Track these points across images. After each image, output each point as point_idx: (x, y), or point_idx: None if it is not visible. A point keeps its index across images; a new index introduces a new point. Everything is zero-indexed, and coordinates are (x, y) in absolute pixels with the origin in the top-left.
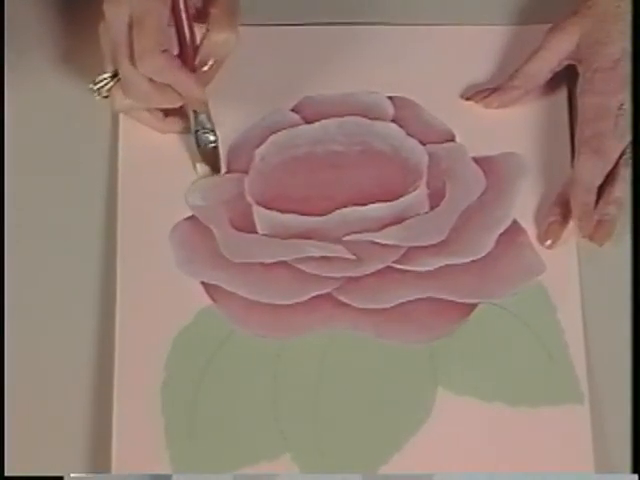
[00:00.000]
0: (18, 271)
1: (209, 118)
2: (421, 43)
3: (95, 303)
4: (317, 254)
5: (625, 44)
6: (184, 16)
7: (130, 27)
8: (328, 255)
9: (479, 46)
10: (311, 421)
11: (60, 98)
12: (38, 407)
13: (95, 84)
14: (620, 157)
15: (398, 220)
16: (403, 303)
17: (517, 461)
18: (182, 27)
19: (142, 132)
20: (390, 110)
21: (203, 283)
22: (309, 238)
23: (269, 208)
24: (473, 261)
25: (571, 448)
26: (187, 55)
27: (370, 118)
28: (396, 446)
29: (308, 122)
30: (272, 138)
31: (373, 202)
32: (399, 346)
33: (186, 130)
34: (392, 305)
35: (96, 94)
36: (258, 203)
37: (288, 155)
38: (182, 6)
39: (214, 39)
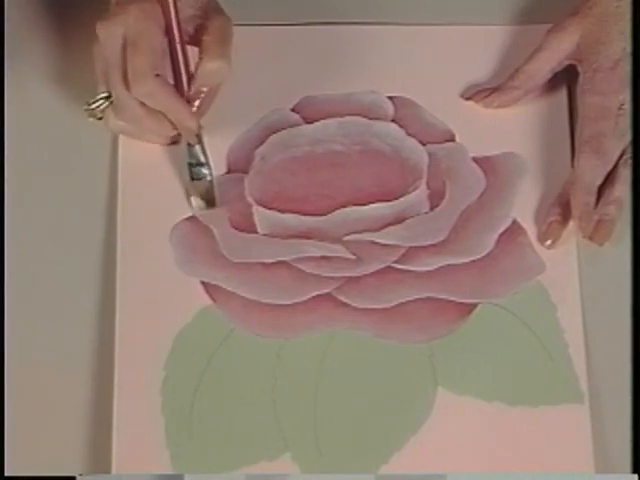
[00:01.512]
0: (18, 270)
1: (203, 151)
2: (421, 43)
3: (95, 303)
4: (317, 254)
5: (625, 44)
6: (178, 42)
7: (124, 49)
8: (328, 255)
9: (479, 46)
10: (311, 421)
11: (61, 100)
12: (38, 407)
13: (89, 105)
14: (620, 157)
15: (398, 220)
16: (403, 303)
17: (517, 461)
18: (176, 53)
19: None
20: (390, 110)
21: (203, 283)
22: (309, 238)
23: (269, 208)
24: (473, 261)
25: (571, 448)
26: (180, 82)
27: (370, 118)
28: (396, 446)
29: (308, 122)
30: (272, 138)
31: (373, 202)
32: (399, 346)
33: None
34: (392, 305)
35: (90, 116)
36: (258, 203)
37: (288, 155)
38: (176, 31)
39: (207, 67)
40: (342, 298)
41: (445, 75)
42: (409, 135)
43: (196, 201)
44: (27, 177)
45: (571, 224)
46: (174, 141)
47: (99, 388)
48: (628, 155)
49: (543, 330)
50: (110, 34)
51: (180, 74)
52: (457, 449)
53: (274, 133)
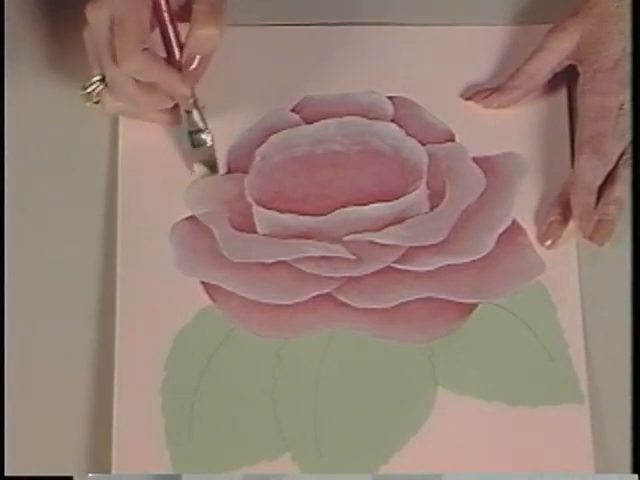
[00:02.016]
0: (18, 271)
1: (202, 117)
2: (421, 43)
3: (95, 303)
4: (317, 254)
5: (625, 44)
6: (166, 16)
7: (112, 29)
8: (328, 255)
9: (479, 46)
10: (311, 421)
11: (59, 98)
12: (38, 407)
13: (84, 89)
14: (620, 157)
15: (398, 220)
16: (403, 303)
17: (517, 461)
18: (165, 26)
19: (142, 131)
20: (390, 110)
21: (203, 283)
22: (309, 238)
23: (269, 208)
24: (473, 261)
25: (571, 448)
26: (172, 54)
27: (370, 118)
28: (396, 446)
29: (308, 122)
30: (272, 138)
31: (373, 202)
32: (399, 346)
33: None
34: (392, 305)
35: (86, 100)
36: (258, 203)
37: (288, 155)
38: (164, 5)
39: (197, 35)
40: (342, 298)
41: (445, 75)
42: (409, 135)
43: (199, 168)
44: (27, 176)
45: (571, 224)
46: (175, 121)
47: (99, 388)
48: (628, 155)
49: (543, 330)
50: (98, 16)
51: (171, 45)
52: (457, 449)
53: (274, 133)
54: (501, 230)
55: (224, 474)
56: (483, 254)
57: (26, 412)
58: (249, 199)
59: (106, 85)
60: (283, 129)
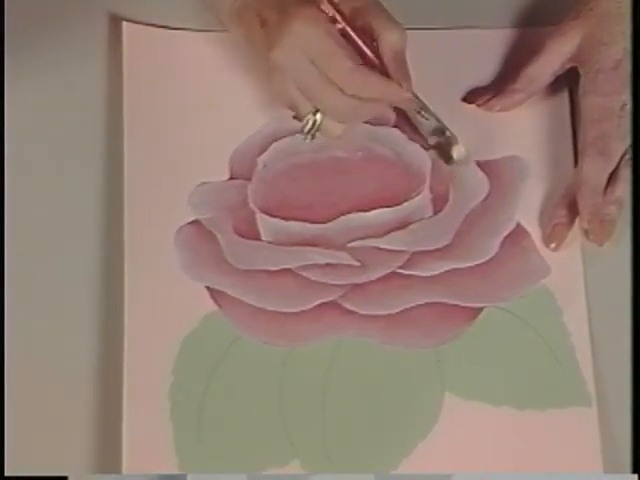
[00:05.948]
0: (23, 275)
1: (432, 112)
2: (422, 47)
3: (102, 307)
4: (321, 261)
5: (627, 44)
6: (349, 28)
7: (311, 61)
8: (332, 262)
9: (480, 49)
10: (320, 428)
11: (62, 99)
12: (48, 411)
13: (307, 133)
14: (622, 157)
15: (402, 225)
16: (409, 308)
17: (525, 465)
18: (353, 40)
19: (147, 134)
20: (392, 115)
21: (208, 288)
22: (313, 245)
23: (273, 215)
24: (478, 265)
25: (580, 451)
26: (373, 64)
27: (372, 124)
28: (405, 452)
29: None
30: (274, 145)
31: (376, 208)
32: (406, 351)
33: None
34: (398, 311)
35: (310, 138)
36: (261, 210)
37: (291, 162)
38: (340, 19)
39: (390, 41)
40: (347, 305)
41: (447, 79)
42: (411, 140)
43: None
44: (29, 179)
45: (575, 226)
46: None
47: (108, 392)
48: (629, 155)
49: (550, 333)
50: (293, 57)
51: (367, 57)
52: (466, 454)
53: (276, 140)
54: (505, 233)
55: (227, 474)
56: (488, 258)
57: (32, 415)
58: (252, 206)
59: (322, 117)
60: (285, 136)
